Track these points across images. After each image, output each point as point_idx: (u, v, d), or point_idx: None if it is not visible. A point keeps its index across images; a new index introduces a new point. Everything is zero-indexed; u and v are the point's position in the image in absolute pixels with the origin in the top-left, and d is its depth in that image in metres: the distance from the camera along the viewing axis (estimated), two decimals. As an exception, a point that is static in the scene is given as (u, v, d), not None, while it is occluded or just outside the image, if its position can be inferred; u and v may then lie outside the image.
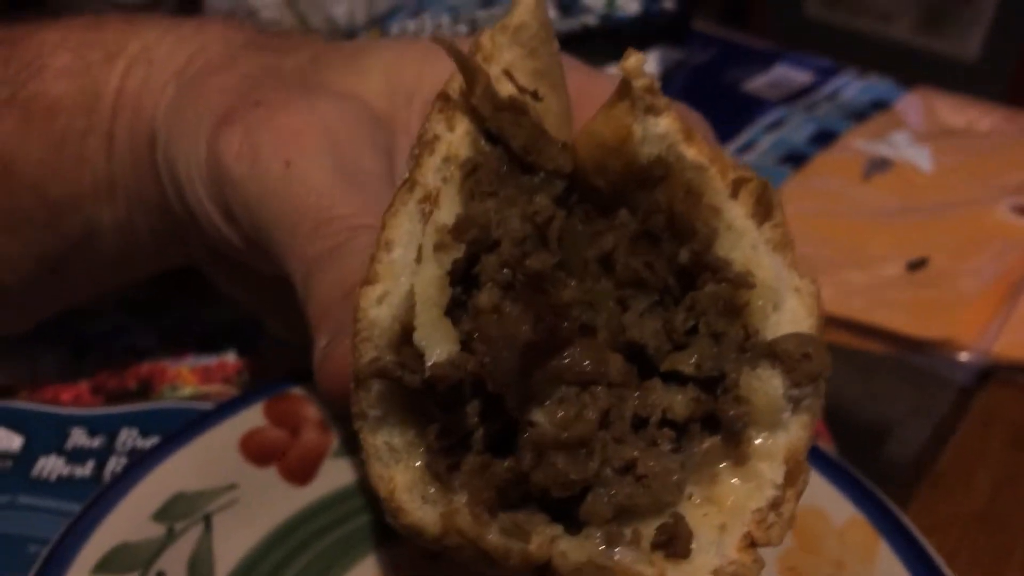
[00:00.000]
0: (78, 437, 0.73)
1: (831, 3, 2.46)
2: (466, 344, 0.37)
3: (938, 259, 1.02)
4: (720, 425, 0.39)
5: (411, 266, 0.39)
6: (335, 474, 0.65)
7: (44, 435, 0.73)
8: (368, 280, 0.39)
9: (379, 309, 0.38)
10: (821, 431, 0.79)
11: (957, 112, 1.30)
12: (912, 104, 1.31)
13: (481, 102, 0.40)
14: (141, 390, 0.79)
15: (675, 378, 0.40)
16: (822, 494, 0.62)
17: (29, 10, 0.74)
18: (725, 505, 0.38)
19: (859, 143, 1.22)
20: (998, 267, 1.01)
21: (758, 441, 0.39)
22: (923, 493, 0.78)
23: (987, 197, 1.12)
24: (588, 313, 0.40)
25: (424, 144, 0.41)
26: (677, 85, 1.32)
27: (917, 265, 1.01)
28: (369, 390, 0.39)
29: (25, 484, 0.69)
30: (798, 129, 1.24)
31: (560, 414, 0.37)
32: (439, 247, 0.38)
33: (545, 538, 0.36)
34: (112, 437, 0.73)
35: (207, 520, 0.61)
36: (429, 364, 0.36)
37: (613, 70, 0.71)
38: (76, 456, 0.72)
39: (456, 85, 0.41)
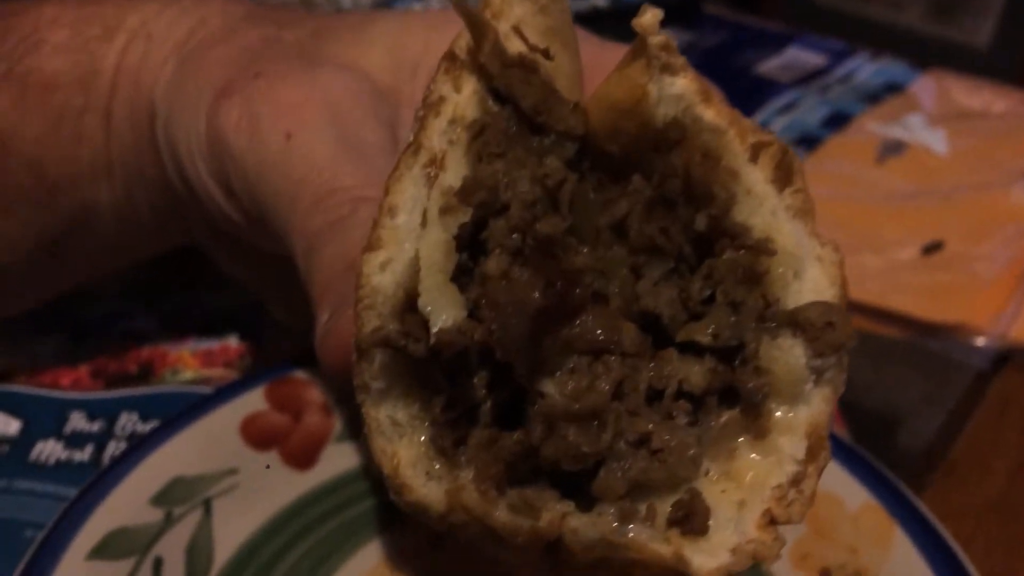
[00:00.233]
0: (77, 421, 0.72)
1: (842, -11, 2.44)
2: (472, 313, 0.36)
3: (953, 243, 1.00)
4: (738, 397, 0.37)
5: (416, 231, 0.37)
6: (337, 459, 0.64)
7: (42, 419, 0.72)
8: (370, 246, 0.37)
9: (382, 276, 0.37)
10: (834, 416, 0.78)
11: (972, 95, 1.29)
12: (926, 87, 1.29)
13: (489, 59, 0.38)
14: (142, 374, 0.78)
15: (691, 349, 0.38)
16: (836, 479, 0.60)
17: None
18: (744, 481, 0.37)
19: (873, 126, 1.20)
20: (1014, 250, 1.00)
21: (778, 414, 0.37)
22: (937, 481, 0.77)
23: (1002, 180, 1.11)
24: (600, 281, 0.38)
25: (429, 106, 0.39)
26: (688, 68, 1.30)
27: (932, 249, 1.00)
28: (372, 361, 0.37)
29: (23, 468, 0.68)
30: (811, 112, 1.23)
31: (571, 385, 0.35)
32: (445, 210, 0.36)
33: (556, 515, 0.34)
34: (111, 421, 0.72)
35: (207, 505, 0.59)
36: (434, 330, 0.35)
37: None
38: (75, 440, 0.70)
39: (463, 43, 0.39)
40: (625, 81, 0.39)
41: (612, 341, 0.36)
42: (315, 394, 0.66)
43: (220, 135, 0.58)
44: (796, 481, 0.37)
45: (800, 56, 1.36)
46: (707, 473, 0.37)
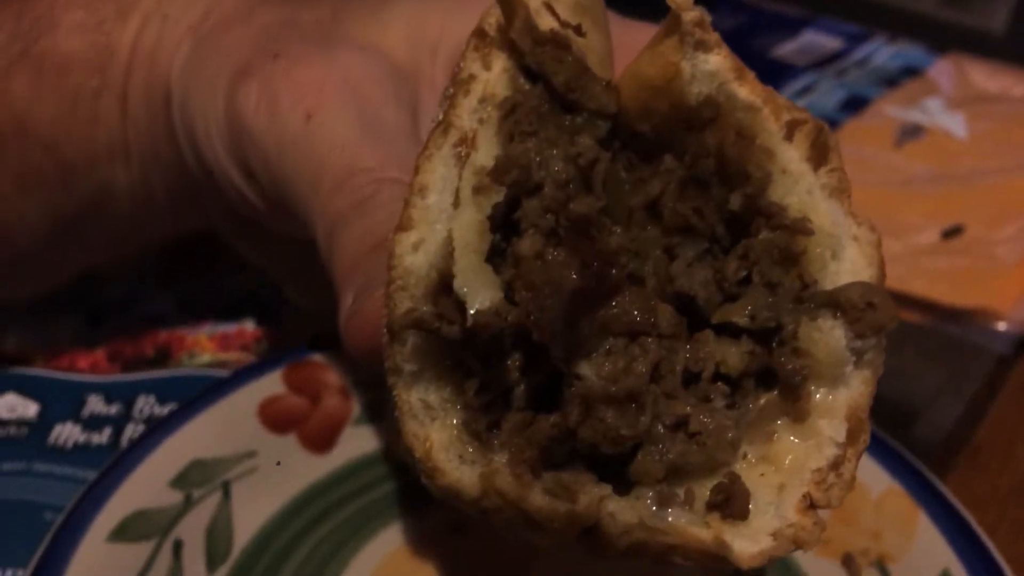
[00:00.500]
0: (95, 404, 0.72)
1: (856, -26, 2.41)
2: (506, 295, 0.35)
3: (973, 227, 0.99)
4: (776, 380, 0.37)
5: (447, 211, 0.36)
6: (356, 442, 0.64)
7: (60, 402, 0.72)
8: (402, 227, 0.37)
9: (415, 256, 0.36)
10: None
11: (990, 78, 1.27)
12: (944, 70, 1.28)
13: (520, 36, 0.37)
14: (159, 357, 0.78)
15: (727, 330, 0.37)
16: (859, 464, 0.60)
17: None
18: (783, 464, 0.36)
19: (891, 109, 1.19)
20: (1034, 235, 0.98)
21: (818, 396, 0.36)
22: (960, 467, 0.76)
23: (1022, 164, 1.09)
24: (634, 262, 0.38)
25: (459, 84, 0.38)
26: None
27: (952, 233, 0.99)
28: (404, 343, 0.37)
29: (41, 451, 0.68)
30: (828, 95, 1.22)
31: (608, 367, 0.34)
32: (478, 190, 0.35)
33: (593, 498, 0.33)
34: (129, 404, 0.72)
35: (225, 488, 0.59)
36: (471, 312, 0.34)
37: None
38: (92, 423, 0.70)
39: (493, 20, 0.38)
40: (658, 59, 0.38)
41: (648, 323, 0.35)
42: (333, 377, 0.66)
43: (239, 116, 0.58)
44: (836, 465, 0.36)
45: (817, 40, 1.35)
46: (745, 456, 0.36)
